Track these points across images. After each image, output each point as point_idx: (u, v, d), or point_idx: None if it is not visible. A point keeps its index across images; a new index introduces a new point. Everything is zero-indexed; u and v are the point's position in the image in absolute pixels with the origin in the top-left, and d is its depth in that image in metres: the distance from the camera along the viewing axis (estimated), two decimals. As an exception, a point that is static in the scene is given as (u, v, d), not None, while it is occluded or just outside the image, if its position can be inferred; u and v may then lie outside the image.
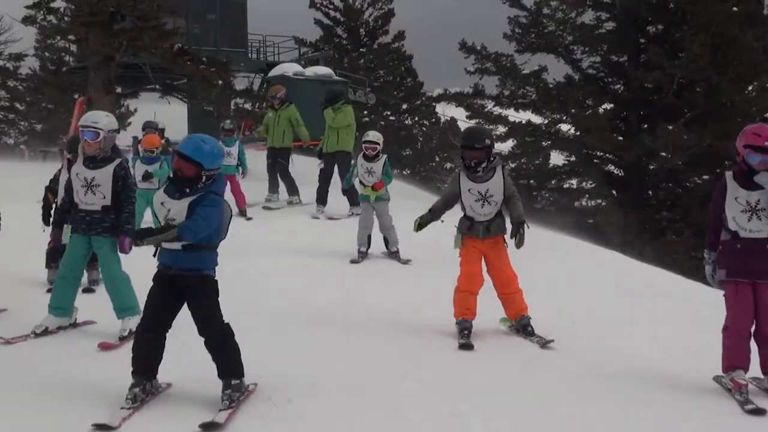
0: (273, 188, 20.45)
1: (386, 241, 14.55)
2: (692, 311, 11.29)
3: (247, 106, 37.67)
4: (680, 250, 31.63)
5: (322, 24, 58.91)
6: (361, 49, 58.19)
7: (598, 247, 17.78)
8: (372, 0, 58.96)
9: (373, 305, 11.26)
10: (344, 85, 39.43)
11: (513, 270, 9.87)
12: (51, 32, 35.85)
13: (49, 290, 10.45)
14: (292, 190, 20.23)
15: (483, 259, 9.84)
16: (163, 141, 19.71)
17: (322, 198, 19.02)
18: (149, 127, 20.16)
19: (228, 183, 16.87)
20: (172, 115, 37.07)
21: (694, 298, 12.33)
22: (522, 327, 9.75)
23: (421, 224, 9.88)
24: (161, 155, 16.28)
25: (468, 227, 9.75)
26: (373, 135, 14.60)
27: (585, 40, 38.73)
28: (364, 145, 14.46)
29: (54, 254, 11.19)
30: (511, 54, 39.67)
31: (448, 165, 52.54)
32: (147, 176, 15.64)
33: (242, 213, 18.28)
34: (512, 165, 43.01)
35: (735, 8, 34.96)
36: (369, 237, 14.51)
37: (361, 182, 14.52)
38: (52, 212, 10.92)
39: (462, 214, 9.89)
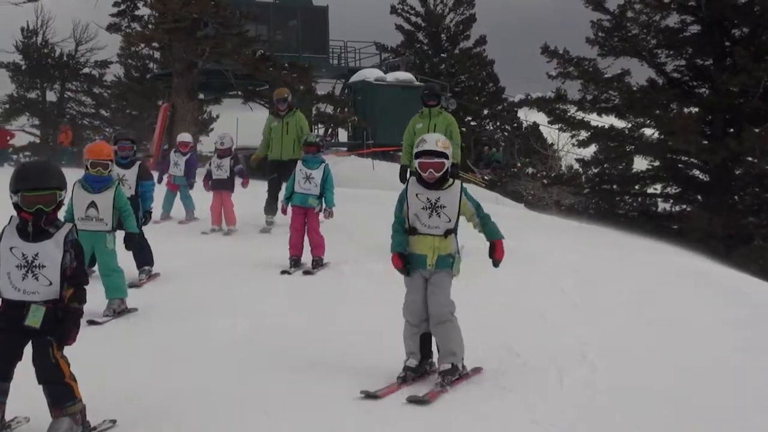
0: (274, 209, 16.73)
1: (438, 347, 8.11)
2: None
3: (329, 110, 37.82)
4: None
5: (403, 29, 58.95)
6: (442, 54, 58.14)
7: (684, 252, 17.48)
8: (453, 5, 58.88)
9: None
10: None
11: None
12: (135, 39, 36.33)
13: None
14: None
15: None
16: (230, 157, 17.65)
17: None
18: (123, 138, 13.41)
19: (305, 221, 13.69)
20: (253, 122, 37.39)
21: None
22: None
23: None
24: (110, 174, 10.79)
25: None
26: (434, 139, 8.05)
27: (669, 44, 38.13)
28: (419, 162, 8.00)
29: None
30: (593, 58, 39.18)
31: (530, 170, 52.18)
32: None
33: (316, 264, 13.67)
34: (595, 170, 42.61)
35: (823, 9, 34.26)
36: (427, 339, 8.19)
37: (412, 228, 8.09)
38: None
39: None
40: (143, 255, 12.42)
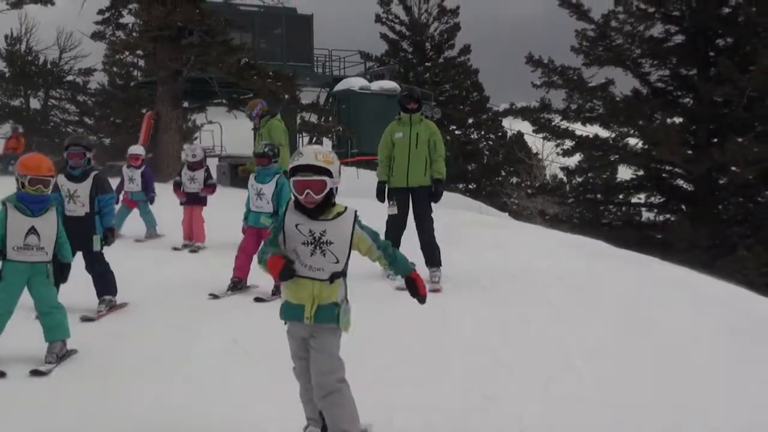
0: None
1: (324, 426, 6.26)
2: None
3: (313, 119, 37.78)
4: (751, 266, 31.05)
5: (388, 38, 59.09)
6: (427, 63, 58.25)
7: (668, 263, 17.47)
8: (438, 14, 59.01)
9: None
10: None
11: None
12: (119, 47, 36.28)
13: None
14: None
15: None
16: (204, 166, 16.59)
17: None
18: (74, 144, 10.90)
19: (258, 243, 11.54)
20: (238, 130, 37.33)
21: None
22: None
23: None
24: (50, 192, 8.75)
25: None
26: (313, 152, 6.12)
27: (653, 53, 38.28)
28: (293, 181, 6.11)
29: None
30: (578, 67, 39.35)
31: (514, 179, 52.33)
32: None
33: (276, 290, 11.47)
34: (579, 179, 42.71)
35: (807, 20, 34.41)
36: None
37: (285, 270, 6.07)
38: None
39: None
40: (105, 282, 10.81)
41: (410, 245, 11.84)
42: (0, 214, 8.44)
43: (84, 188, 10.64)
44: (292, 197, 6.15)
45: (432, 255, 12.39)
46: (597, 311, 11.01)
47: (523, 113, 41.75)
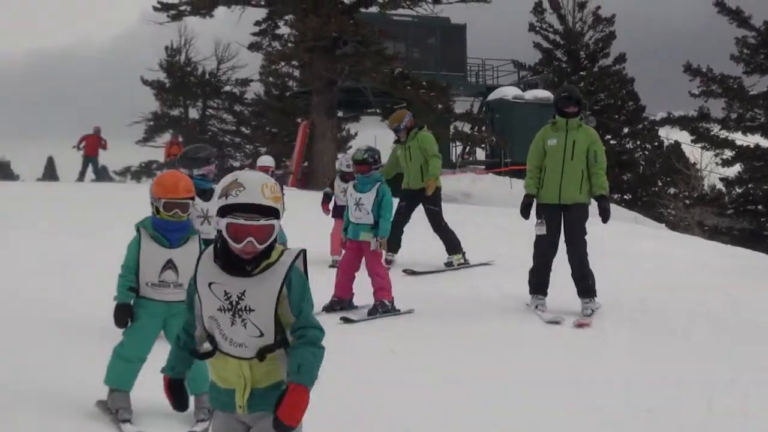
0: (394, 246, 13.74)
1: None
2: None
3: (466, 129, 37.74)
4: None
5: (542, 47, 58.52)
6: (581, 72, 57.45)
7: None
8: (593, 23, 58.22)
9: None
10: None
11: None
12: (275, 58, 36.91)
13: None
14: (453, 245, 14.10)
15: None
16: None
17: (540, 286, 10.99)
18: (207, 158, 9.75)
19: (359, 258, 10.96)
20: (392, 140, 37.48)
21: None
22: None
23: None
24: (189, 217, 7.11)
25: None
26: (259, 185, 4.10)
27: (819, 60, 37.19)
28: (227, 223, 4.15)
29: None
30: (738, 76, 38.49)
31: (672, 190, 51.27)
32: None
33: (374, 310, 10.61)
34: (739, 190, 41.70)
35: None
36: None
37: (211, 340, 4.21)
38: None
39: None
40: None
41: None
42: (133, 242, 6.95)
43: (214, 207, 8.68)
44: (222, 239, 4.19)
45: (584, 284, 10.75)
46: (762, 326, 10.63)
47: (681, 123, 41.07)
